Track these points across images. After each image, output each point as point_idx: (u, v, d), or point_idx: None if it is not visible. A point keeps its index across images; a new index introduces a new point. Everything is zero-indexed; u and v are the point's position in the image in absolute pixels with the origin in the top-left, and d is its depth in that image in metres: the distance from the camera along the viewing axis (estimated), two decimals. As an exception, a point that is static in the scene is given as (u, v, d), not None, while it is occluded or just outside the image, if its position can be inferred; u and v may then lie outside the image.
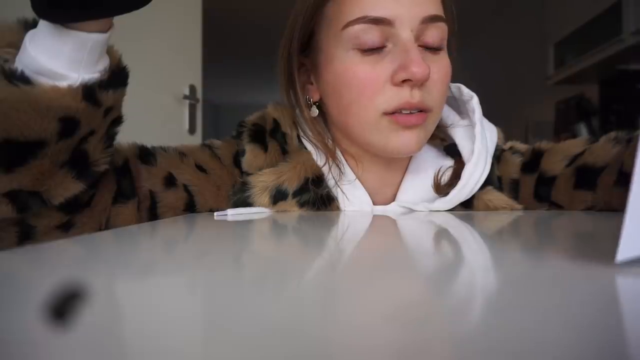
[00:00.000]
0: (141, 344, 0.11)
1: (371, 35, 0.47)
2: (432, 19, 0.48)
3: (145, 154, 0.52)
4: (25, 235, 0.43)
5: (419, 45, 0.49)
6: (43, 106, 0.36)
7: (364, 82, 0.48)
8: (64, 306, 0.13)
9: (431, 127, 0.52)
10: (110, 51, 0.42)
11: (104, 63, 0.41)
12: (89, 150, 0.42)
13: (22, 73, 0.36)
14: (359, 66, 0.48)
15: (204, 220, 0.45)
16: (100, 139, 0.43)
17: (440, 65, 0.50)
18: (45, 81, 0.37)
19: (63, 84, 0.37)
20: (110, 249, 0.28)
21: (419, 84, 0.47)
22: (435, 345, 0.11)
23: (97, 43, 0.38)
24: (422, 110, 0.49)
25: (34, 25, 0.39)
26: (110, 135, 0.45)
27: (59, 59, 0.37)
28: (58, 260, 0.23)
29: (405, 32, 0.47)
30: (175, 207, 0.52)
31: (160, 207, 0.51)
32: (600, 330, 0.12)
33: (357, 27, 0.48)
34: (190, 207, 0.53)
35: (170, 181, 0.52)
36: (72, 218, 0.45)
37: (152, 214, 0.51)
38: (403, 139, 0.50)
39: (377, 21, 0.47)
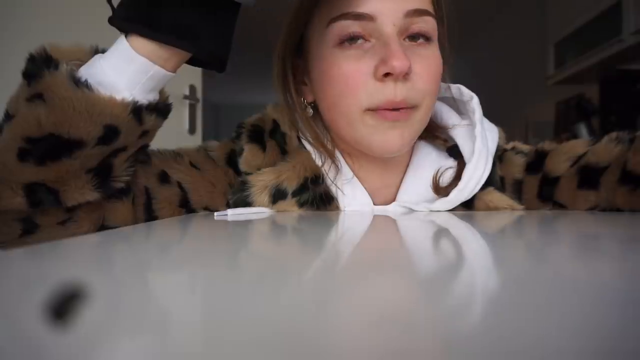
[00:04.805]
0: (140, 344, 0.11)
1: (353, 31, 0.48)
2: (417, 13, 0.48)
3: (140, 154, 0.53)
4: (28, 232, 0.44)
5: (405, 39, 0.49)
6: (96, 110, 0.41)
7: (346, 77, 0.48)
8: (63, 306, 0.13)
9: (419, 125, 0.51)
10: (161, 91, 0.47)
11: (154, 95, 0.45)
12: (114, 165, 0.45)
13: (86, 80, 0.41)
14: (342, 62, 0.49)
15: (204, 220, 0.45)
16: (127, 158, 0.46)
17: (427, 59, 0.49)
18: (103, 91, 0.41)
19: (118, 96, 0.42)
20: (109, 249, 0.28)
21: (401, 77, 0.47)
22: (436, 345, 0.11)
23: (157, 74, 0.43)
24: (406, 107, 0.48)
25: (102, 51, 0.45)
26: (135, 158, 0.48)
27: (121, 76, 0.42)
28: (58, 261, 0.23)
29: (387, 27, 0.47)
30: (171, 203, 0.52)
31: (155, 202, 0.51)
32: (603, 331, 0.12)
33: (340, 24, 0.48)
34: (184, 204, 0.54)
35: (164, 178, 0.52)
36: (71, 215, 0.46)
37: (149, 211, 0.51)
38: (387, 137, 0.49)
39: (358, 17, 0.47)
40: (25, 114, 0.40)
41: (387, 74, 0.47)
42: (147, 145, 0.49)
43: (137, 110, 0.43)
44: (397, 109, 0.48)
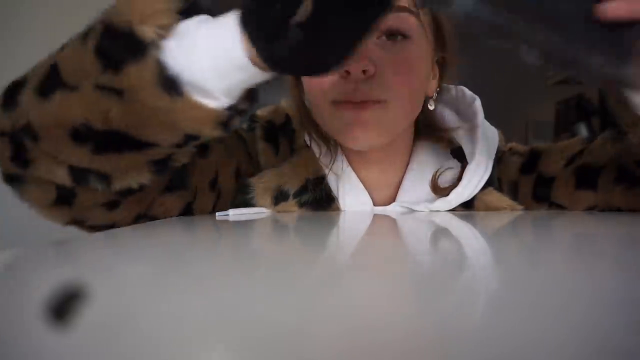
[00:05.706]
0: (142, 344, 0.11)
1: None
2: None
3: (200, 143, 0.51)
4: (63, 200, 0.40)
5: (382, 37, 0.49)
6: (183, 122, 0.35)
7: None
8: (64, 306, 0.13)
9: (389, 122, 0.50)
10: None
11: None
12: (175, 152, 0.40)
13: (176, 81, 0.33)
14: None
15: (205, 220, 0.46)
16: None
17: (401, 58, 0.49)
18: (195, 95, 0.34)
19: (210, 103, 0.34)
20: (109, 249, 0.28)
21: (361, 75, 0.46)
22: (435, 345, 0.11)
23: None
24: (370, 101, 0.48)
25: (189, 10, 0.34)
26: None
27: (223, 81, 0.34)
28: (59, 260, 0.23)
29: None
30: (207, 205, 0.52)
31: (196, 203, 0.51)
32: (601, 331, 0.12)
33: None
34: (213, 209, 0.54)
35: (213, 184, 0.52)
36: (119, 199, 0.42)
37: (189, 208, 0.50)
38: (351, 130, 0.49)
39: None
40: (91, 98, 0.34)
41: (348, 72, 0.47)
42: None
43: (226, 121, 0.36)
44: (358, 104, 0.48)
